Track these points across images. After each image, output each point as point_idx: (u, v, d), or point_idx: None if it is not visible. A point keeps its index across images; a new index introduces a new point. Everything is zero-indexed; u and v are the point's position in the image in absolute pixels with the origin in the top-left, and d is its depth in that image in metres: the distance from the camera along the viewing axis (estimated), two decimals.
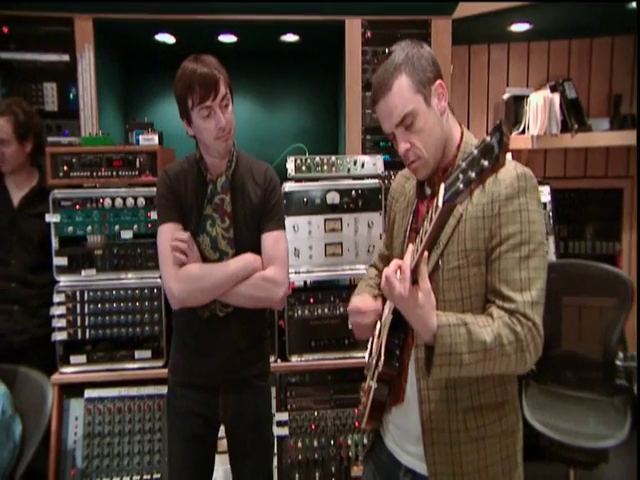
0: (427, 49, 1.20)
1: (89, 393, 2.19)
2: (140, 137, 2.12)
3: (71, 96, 2.77)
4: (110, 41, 2.97)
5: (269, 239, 1.59)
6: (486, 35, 3.22)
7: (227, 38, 3.04)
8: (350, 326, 1.35)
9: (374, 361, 1.27)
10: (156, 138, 2.11)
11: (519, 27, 3.05)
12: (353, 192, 2.19)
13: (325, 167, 2.21)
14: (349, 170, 2.22)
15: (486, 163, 0.86)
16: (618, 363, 2.63)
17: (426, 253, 1.01)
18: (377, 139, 2.83)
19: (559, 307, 2.76)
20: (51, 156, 2.11)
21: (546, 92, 3.08)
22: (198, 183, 1.60)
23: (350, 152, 2.83)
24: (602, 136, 3.17)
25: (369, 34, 2.80)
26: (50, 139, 2.22)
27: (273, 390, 2.21)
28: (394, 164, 2.69)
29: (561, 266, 2.78)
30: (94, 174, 2.12)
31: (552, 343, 2.71)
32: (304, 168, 2.20)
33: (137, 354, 2.20)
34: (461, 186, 0.89)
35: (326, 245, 2.21)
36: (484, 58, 3.39)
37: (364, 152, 2.83)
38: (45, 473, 2.11)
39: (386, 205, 1.45)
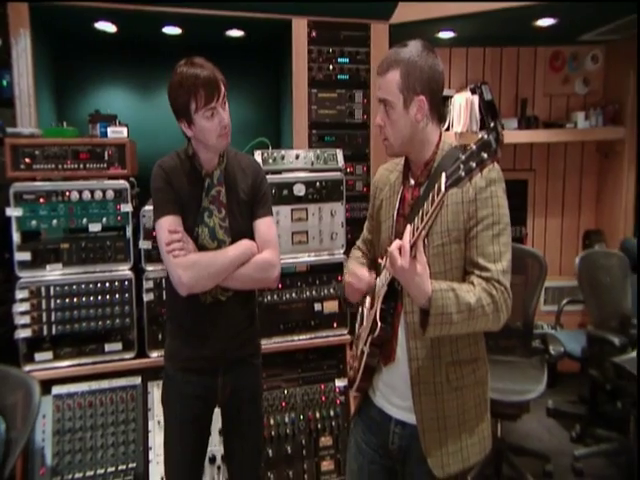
0: (431, 65, 1.33)
1: (57, 390, 2.14)
2: (108, 129, 2.09)
3: (4, 83, 2.61)
4: (46, 27, 2.82)
5: (262, 224, 1.70)
6: (415, 40, 3.49)
7: (172, 30, 3.01)
8: (344, 287, 1.53)
9: (367, 329, 1.44)
10: (125, 131, 2.10)
11: (445, 34, 3.35)
12: (317, 184, 2.33)
13: (290, 160, 2.33)
14: (312, 163, 2.36)
15: (485, 155, 1.06)
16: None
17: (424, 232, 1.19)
18: (322, 134, 2.97)
19: None
20: (11, 148, 2.01)
21: (467, 94, 3.42)
22: (194, 177, 1.66)
23: (297, 146, 2.93)
24: (511, 134, 3.58)
25: (314, 34, 2.93)
26: (10, 130, 2.11)
27: None
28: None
29: None
30: (59, 167, 2.06)
31: None
32: (271, 161, 2.31)
33: (107, 347, 2.18)
34: (463, 174, 1.08)
35: (293, 233, 2.33)
36: None
37: (310, 146, 2.95)
38: (12, 474, 2.04)
39: (370, 195, 1.62)
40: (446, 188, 1.10)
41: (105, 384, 2.18)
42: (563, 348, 2.81)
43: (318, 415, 2.38)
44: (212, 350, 1.69)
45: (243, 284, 1.67)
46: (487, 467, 2.77)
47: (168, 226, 1.59)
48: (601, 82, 3.88)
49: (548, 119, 3.83)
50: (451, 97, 3.46)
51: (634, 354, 2.97)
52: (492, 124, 1.09)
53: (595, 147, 3.93)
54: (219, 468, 2.21)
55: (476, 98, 3.40)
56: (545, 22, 3.20)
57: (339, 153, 2.41)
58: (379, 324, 1.37)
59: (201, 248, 1.65)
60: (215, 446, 2.20)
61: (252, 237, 1.71)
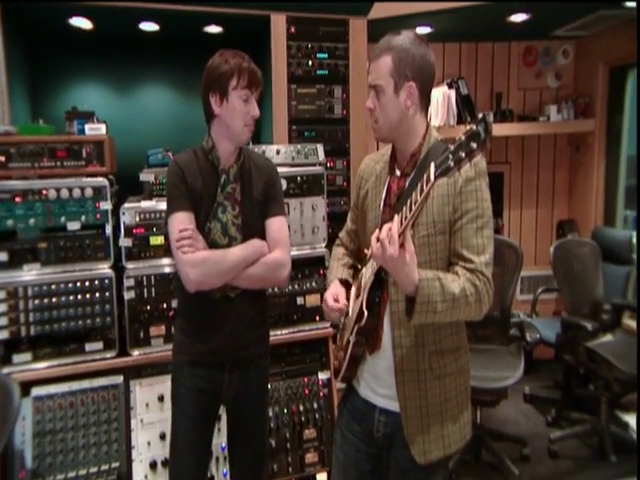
0: (423, 54, 1.32)
1: (37, 391, 2.05)
2: (86, 126, 2.00)
3: None
4: (19, 23, 2.70)
5: (275, 223, 1.67)
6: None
7: (149, 26, 2.91)
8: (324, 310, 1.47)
9: (353, 319, 1.42)
10: (103, 127, 2.01)
11: (422, 30, 3.31)
12: (299, 178, 2.28)
13: (271, 155, 2.27)
14: (293, 158, 2.30)
15: (474, 145, 1.04)
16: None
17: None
18: (302, 129, 2.92)
19: None
20: None
21: (444, 88, 3.40)
22: (210, 172, 1.63)
23: (277, 141, 2.88)
24: None
25: (293, 29, 2.86)
26: None
27: None
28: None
29: None
30: (35, 165, 1.97)
31: None
32: None
33: (88, 346, 2.10)
34: (452, 164, 1.07)
35: None
36: None
37: (290, 141, 2.90)
38: None
39: (355, 184, 1.59)
40: (435, 177, 1.09)
41: (86, 384, 2.09)
42: (539, 335, 2.82)
43: (302, 408, 2.34)
44: (219, 345, 1.66)
45: (252, 283, 1.64)
46: (467, 453, 2.78)
47: (179, 223, 1.56)
48: (572, 76, 3.89)
49: (522, 113, 3.83)
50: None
51: (605, 338, 3.02)
52: (481, 115, 1.09)
53: (567, 139, 3.95)
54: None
55: (453, 92, 3.38)
56: (518, 18, 3.19)
57: (320, 148, 2.36)
58: (365, 313, 1.35)
59: (212, 244, 1.61)
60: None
61: (264, 236, 1.67)
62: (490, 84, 3.82)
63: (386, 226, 1.17)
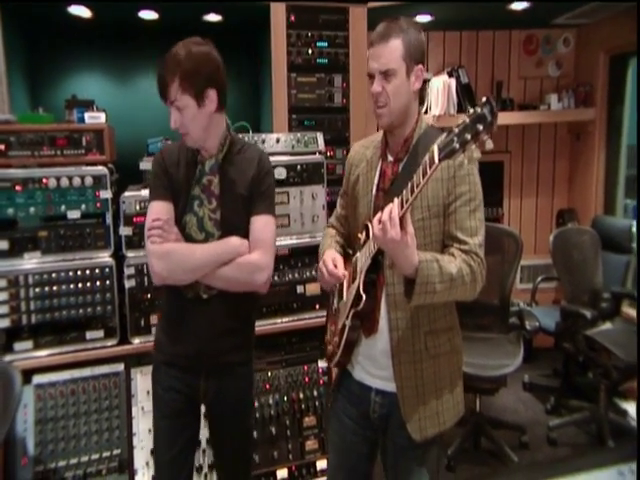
0: (423, 40, 1.37)
1: (38, 379, 2.05)
2: (85, 115, 1.98)
3: None
4: (17, 11, 2.67)
5: (258, 222, 1.55)
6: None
7: (148, 15, 2.89)
8: (319, 274, 1.49)
9: (349, 303, 1.43)
10: (103, 116, 1.99)
11: (422, 18, 3.27)
12: (298, 167, 2.26)
13: (271, 144, 2.25)
14: (293, 146, 2.29)
15: (481, 127, 1.06)
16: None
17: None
18: (302, 118, 2.90)
19: None
20: None
21: (444, 77, 3.37)
22: (190, 164, 1.57)
23: (277, 130, 2.86)
24: None
25: (293, 18, 2.83)
26: None
27: None
28: None
29: None
30: (35, 153, 1.96)
31: None
32: None
33: (89, 335, 2.09)
34: (457, 146, 1.08)
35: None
36: None
37: (290, 130, 2.88)
38: None
39: (344, 171, 1.60)
40: (440, 160, 1.10)
41: (87, 372, 2.10)
42: (538, 323, 2.83)
43: (302, 396, 2.34)
44: (194, 349, 1.58)
45: (226, 285, 1.53)
46: (466, 440, 2.79)
47: (154, 213, 1.52)
48: (572, 65, 3.86)
49: (523, 101, 3.81)
50: (429, 80, 3.40)
51: (605, 327, 3.01)
52: (485, 98, 1.08)
53: (567, 128, 3.93)
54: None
55: (453, 81, 3.36)
56: (519, 5, 3.15)
57: (319, 136, 2.34)
58: (363, 297, 1.36)
59: (188, 238, 1.54)
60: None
61: (247, 236, 1.56)
62: (491, 73, 3.79)
63: (387, 208, 1.18)
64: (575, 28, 3.78)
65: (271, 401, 2.30)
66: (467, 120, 1.07)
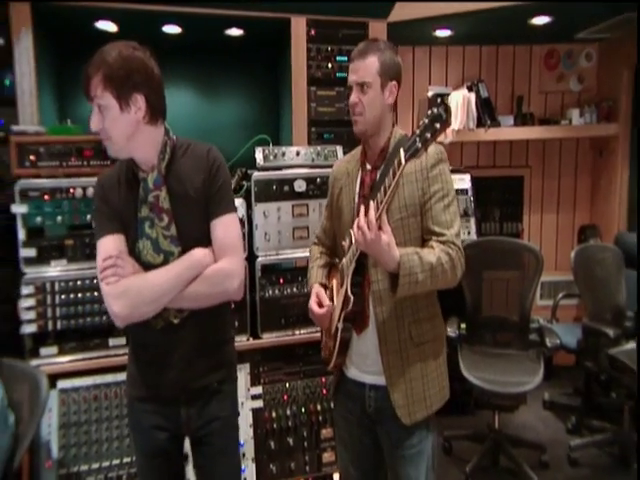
0: (398, 61, 1.55)
1: (62, 384, 2.14)
2: None
3: (7, 82, 2.61)
4: (48, 26, 2.82)
5: (219, 226, 1.45)
6: (412, 38, 3.52)
7: (171, 29, 3.02)
8: (310, 313, 1.63)
9: (339, 307, 1.56)
10: None
11: (442, 33, 3.37)
12: (318, 179, 2.34)
13: (291, 157, 2.34)
14: (313, 159, 2.37)
15: (438, 125, 1.23)
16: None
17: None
18: (321, 131, 2.98)
19: (480, 280, 3.13)
20: (16, 146, 2.02)
21: (464, 91, 3.44)
22: (132, 183, 1.45)
23: (297, 143, 2.94)
24: (507, 131, 3.61)
25: (313, 32, 2.93)
26: (15, 128, 2.11)
27: (247, 366, 2.34)
28: None
29: (483, 243, 3.16)
30: (63, 164, 2.07)
31: (476, 311, 3.08)
32: (272, 157, 2.32)
33: (111, 341, 2.19)
34: (419, 145, 1.25)
35: (294, 229, 2.34)
36: (409, 59, 3.70)
37: (310, 143, 2.96)
38: (18, 468, 2.05)
39: (330, 186, 1.75)
40: (406, 160, 1.27)
41: (110, 378, 2.18)
42: (559, 341, 2.84)
43: (319, 407, 2.39)
44: (169, 380, 1.48)
45: (197, 302, 1.43)
46: (485, 458, 2.80)
47: (103, 252, 1.41)
48: (595, 79, 3.90)
49: (543, 116, 3.85)
50: (447, 95, 3.47)
51: (629, 346, 3.00)
52: (439, 100, 1.26)
53: (589, 144, 3.96)
54: None
55: (473, 96, 3.42)
56: (540, 20, 3.22)
57: (339, 149, 2.43)
58: (351, 298, 1.49)
59: (146, 265, 1.43)
60: None
61: (210, 242, 1.46)
62: (511, 87, 3.86)
63: (362, 213, 1.33)
64: (597, 42, 3.82)
65: (289, 412, 2.36)
66: (426, 121, 1.24)
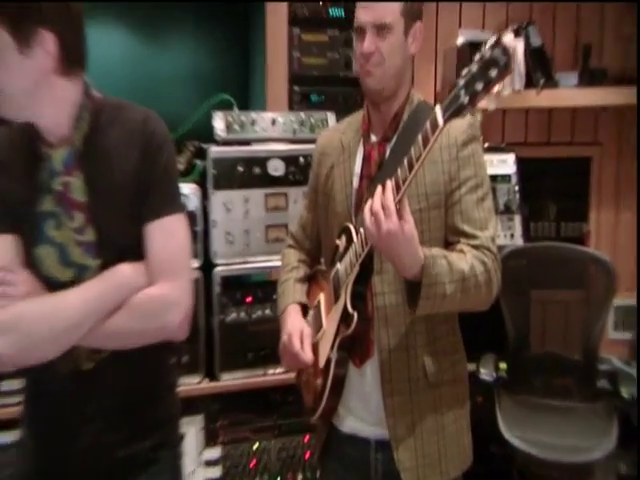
0: None
1: None
2: None
3: None
4: None
5: (158, 232, 1.41)
6: None
7: None
8: (281, 350, 1.73)
9: (332, 330, 1.60)
10: None
11: None
12: (301, 159, 2.42)
13: (264, 126, 2.42)
14: (295, 131, 2.46)
15: (494, 73, 1.23)
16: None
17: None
18: (307, 91, 3.03)
19: (527, 302, 3.22)
20: None
21: (507, 38, 3.54)
22: (29, 162, 1.40)
23: (272, 108, 2.99)
24: (570, 93, 3.66)
25: None
26: None
27: (200, 419, 2.41)
28: None
29: (532, 251, 3.22)
30: None
31: (522, 346, 3.16)
32: (236, 127, 2.40)
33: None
34: (465, 100, 1.25)
35: (267, 227, 2.42)
36: None
37: (291, 108, 3.02)
38: None
39: (313, 163, 1.82)
40: (445, 120, 1.27)
41: None
42: None
43: (301, 478, 2.47)
44: (77, 450, 1.44)
45: (121, 342, 1.40)
46: None
47: None
48: None
49: (622, 73, 3.88)
50: (484, 43, 3.55)
51: None
52: (493, 38, 1.28)
53: None
54: None
55: (520, 44, 3.51)
56: None
57: (331, 117, 2.51)
58: (354, 315, 1.53)
59: (50, 282, 1.39)
60: None
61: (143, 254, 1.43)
62: (574, 32, 3.94)
63: (377, 195, 1.35)
64: None
65: None
66: (474, 68, 1.25)
